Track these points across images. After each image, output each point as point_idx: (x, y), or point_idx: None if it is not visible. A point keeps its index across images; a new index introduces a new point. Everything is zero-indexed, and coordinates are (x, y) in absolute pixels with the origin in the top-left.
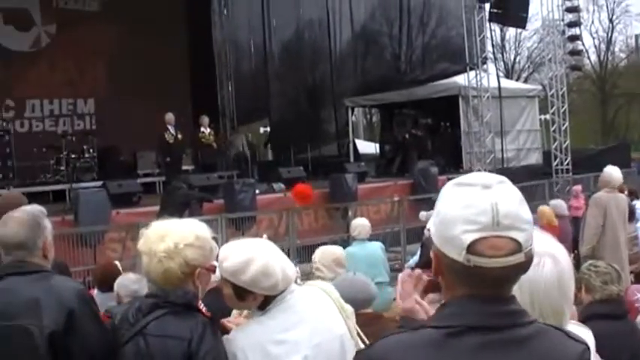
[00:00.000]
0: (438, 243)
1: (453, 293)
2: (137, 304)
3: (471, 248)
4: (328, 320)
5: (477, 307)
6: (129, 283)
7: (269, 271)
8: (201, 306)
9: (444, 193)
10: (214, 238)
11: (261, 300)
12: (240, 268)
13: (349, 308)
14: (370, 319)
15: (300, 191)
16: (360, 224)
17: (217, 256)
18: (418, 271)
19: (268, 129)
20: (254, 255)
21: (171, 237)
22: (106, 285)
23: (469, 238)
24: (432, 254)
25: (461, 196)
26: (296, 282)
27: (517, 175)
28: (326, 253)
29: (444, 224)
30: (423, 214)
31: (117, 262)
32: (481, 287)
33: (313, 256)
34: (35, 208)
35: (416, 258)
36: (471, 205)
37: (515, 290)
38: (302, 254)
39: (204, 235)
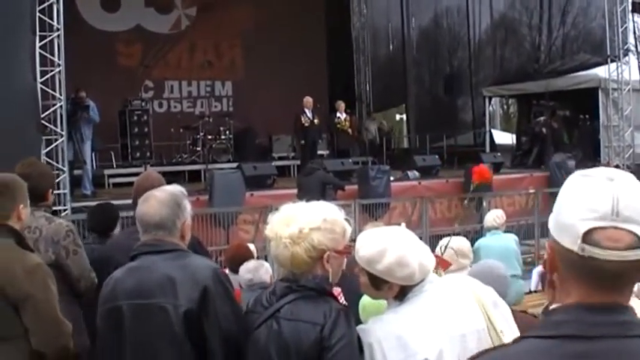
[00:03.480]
0: (554, 232)
1: (564, 297)
2: (272, 287)
3: (587, 237)
4: (467, 313)
5: (584, 315)
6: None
7: (404, 260)
8: (339, 291)
9: (566, 182)
10: (347, 220)
11: (398, 290)
12: (375, 257)
13: (489, 299)
14: None
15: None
16: (495, 215)
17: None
18: None
19: (404, 116)
20: (390, 244)
21: (296, 222)
22: (238, 266)
23: (586, 225)
24: (546, 246)
25: (583, 185)
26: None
27: None
28: (449, 244)
29: (562, 212)
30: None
31: (250, 245)
32: (595, 289)
33: (437, 247)
34: (177, 188)
35: None
36: (591, 194)
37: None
38: (434, 243)
39: (333, 217)
